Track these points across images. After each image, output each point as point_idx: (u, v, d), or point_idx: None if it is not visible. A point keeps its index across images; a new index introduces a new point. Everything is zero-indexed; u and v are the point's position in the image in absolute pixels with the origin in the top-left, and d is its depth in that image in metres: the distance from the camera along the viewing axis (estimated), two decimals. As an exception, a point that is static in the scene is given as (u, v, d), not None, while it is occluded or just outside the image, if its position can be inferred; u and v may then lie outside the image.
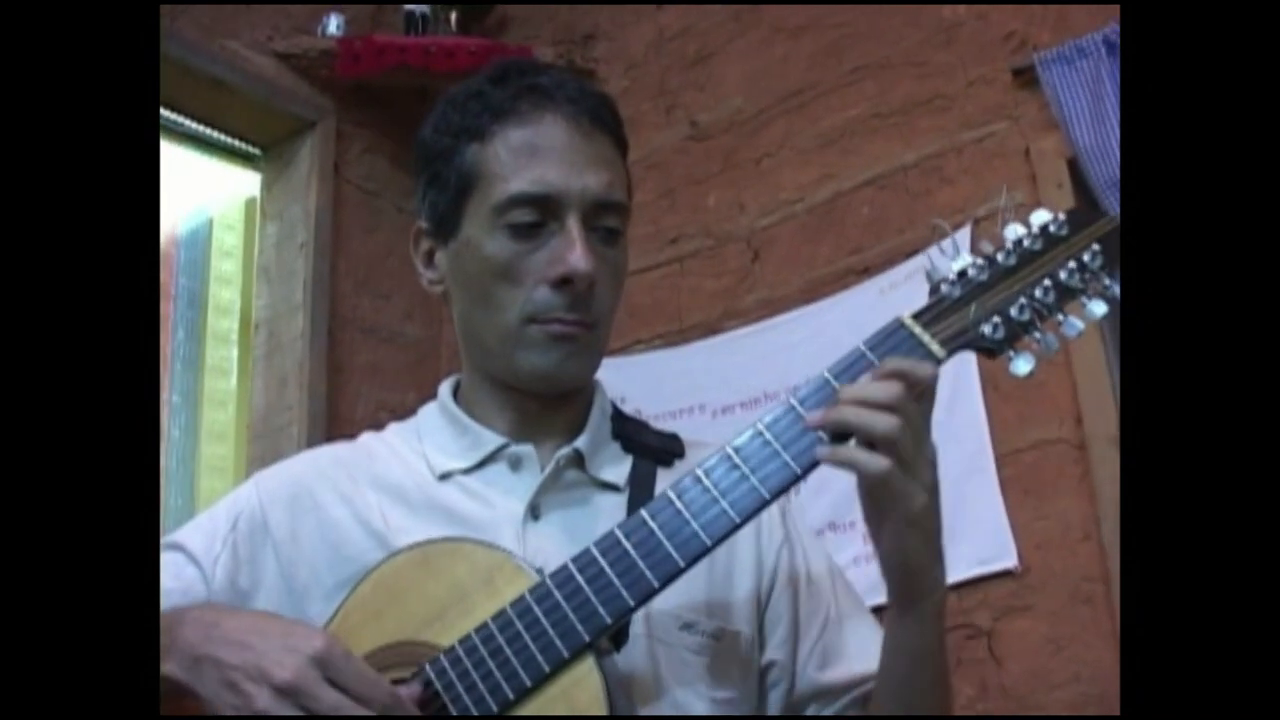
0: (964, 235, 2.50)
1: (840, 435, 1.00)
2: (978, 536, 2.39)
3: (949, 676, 1.14)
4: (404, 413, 1.32)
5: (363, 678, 0.97)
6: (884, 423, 0.98)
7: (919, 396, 1.00)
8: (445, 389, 1.29)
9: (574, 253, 1.13)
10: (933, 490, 1.01)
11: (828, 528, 2.53)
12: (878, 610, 2.60)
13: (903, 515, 1.00)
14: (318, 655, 0.96)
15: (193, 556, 1.17)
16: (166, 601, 1.13)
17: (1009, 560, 2.35)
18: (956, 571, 2.39)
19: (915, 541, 1.01)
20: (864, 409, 0.99)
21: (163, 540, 1.21)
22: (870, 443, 0.99)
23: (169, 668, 0.99)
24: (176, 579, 1.15)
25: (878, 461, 0.98)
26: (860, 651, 1.18)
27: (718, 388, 2.79)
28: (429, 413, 1.29)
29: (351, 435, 1.31)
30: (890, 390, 0.99)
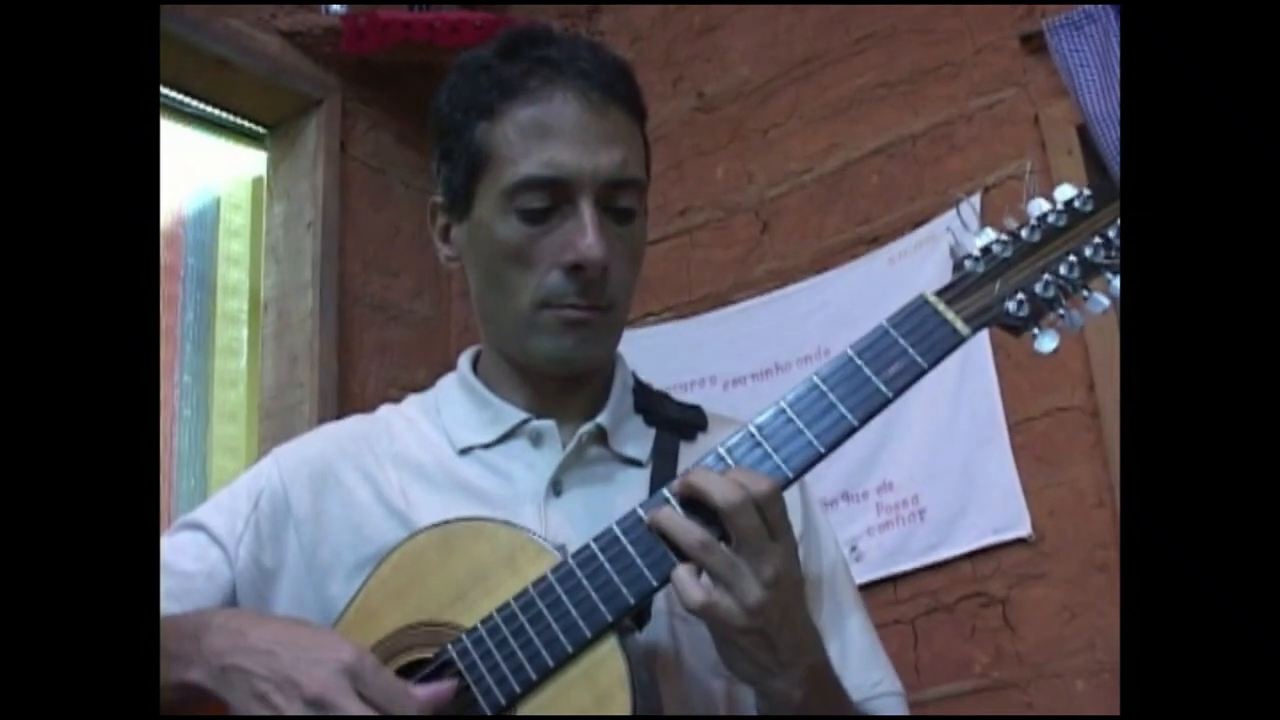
0: (974, 202, 2.50)
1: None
2: (991, 505, 2.40)
3: None
4: (414, 389, 1.31)
5: (392, 689, 0.96)
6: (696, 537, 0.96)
7: (766, 511, 0.96)
8: (465, 361, 1.26)
9: (585, 239, 1.10)
10: (759, 611, 0.95)
11: (840, 497, 2.53)
12: (885, 581, 2.59)
13: (718, 635, 0.99)
14: (348, 666, 0.95)
15: (216, 537, 1.17)
16: (191, 584, 1.13)
17: (1023, 528, 2.36)
18: (970, 540, 2.41)
19: (733, 656, 0.99)
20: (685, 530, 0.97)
21: (183, 520, 1.21)
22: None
23: (196, 675, 0.98)
24: (200, 560, 1.15)
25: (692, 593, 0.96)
26: (839, 655, 1.14)
27: (729, 359, 2.78)
28: (448, 385, 1.27)
29: (363, 412, 1.30)
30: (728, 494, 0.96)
